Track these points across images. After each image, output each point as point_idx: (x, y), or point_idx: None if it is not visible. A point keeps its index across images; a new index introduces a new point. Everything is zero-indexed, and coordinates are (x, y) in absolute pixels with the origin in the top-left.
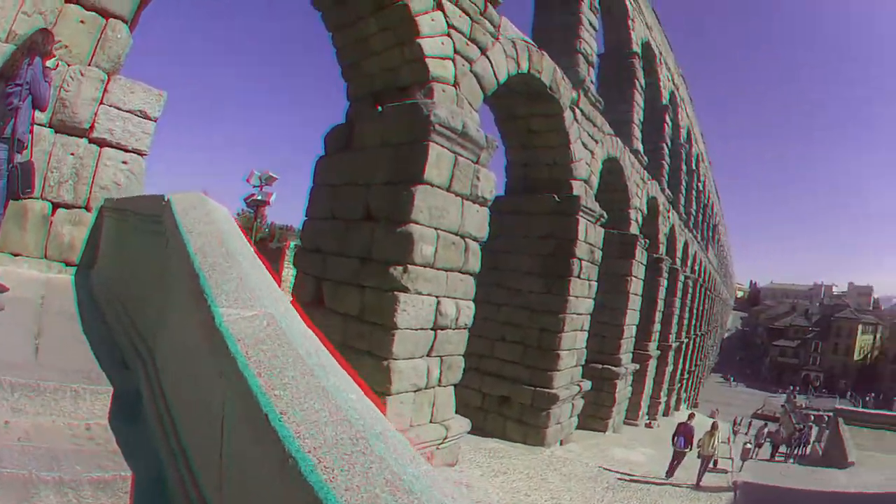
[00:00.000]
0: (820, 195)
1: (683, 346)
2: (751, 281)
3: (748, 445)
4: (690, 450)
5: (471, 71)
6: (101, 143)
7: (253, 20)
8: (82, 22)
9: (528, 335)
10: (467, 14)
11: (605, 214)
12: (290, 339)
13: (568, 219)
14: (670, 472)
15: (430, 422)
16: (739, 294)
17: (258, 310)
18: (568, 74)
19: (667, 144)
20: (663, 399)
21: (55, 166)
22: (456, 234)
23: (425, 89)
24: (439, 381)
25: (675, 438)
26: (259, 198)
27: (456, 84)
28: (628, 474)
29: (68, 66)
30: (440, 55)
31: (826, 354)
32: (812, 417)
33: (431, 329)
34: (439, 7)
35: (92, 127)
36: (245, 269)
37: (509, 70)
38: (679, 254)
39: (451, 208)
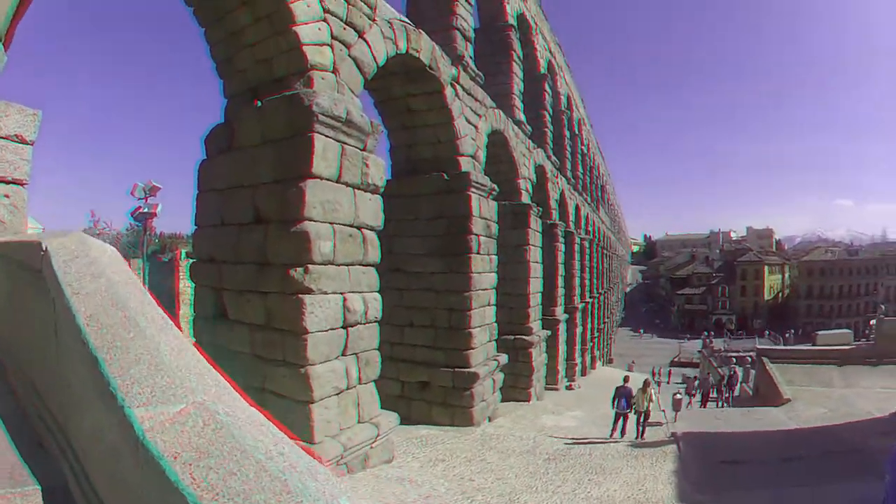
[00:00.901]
0: (705, 144)
1: (589, 305)
2: (645, 234)
3: (678, 396)
4: (632, 411)
5: (349, 56)
6: None
7: (115, 27)
8: None
9: (437, 317)
10: None
11: (496, 187)
12: (240, 439)
13: (459, 196)
14: (614, 432)
15: (359, 422)
16: (635, 249)
17: (186, 402)
18: (445, 51)
19: (548, 112)
20: (578, 360)
21: None
22: (352, 227)
23: (304, 79)
24: (359, 379)
25: (617, 401)
26: (145, 210)
27: (335, 70)
28: (570, 438)
29: None
30: (317, 42)
31: (735, 297)
32: (734, 360)
33: (342, 328)
34: None
35: None
36: (154, 337)
37: (388, 52)
38: (572, 217)
39: (344, 200)
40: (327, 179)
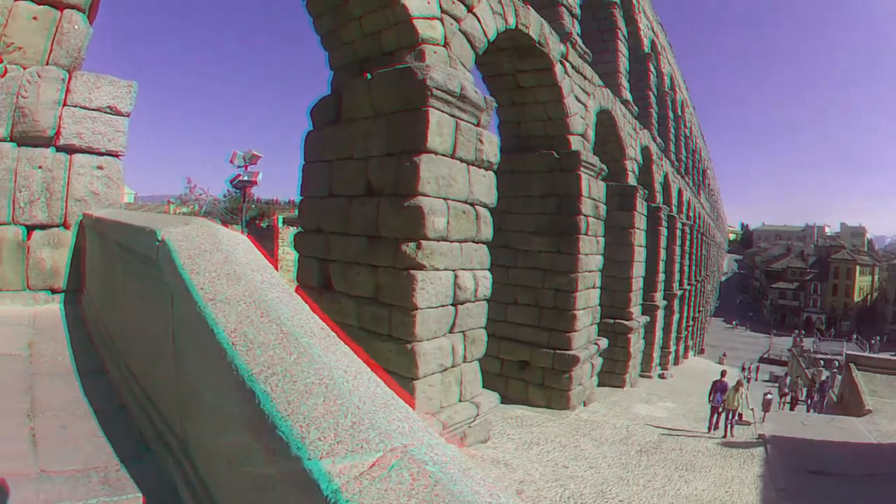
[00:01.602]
0: (806, 136)
1: (686, 293)
2: (742, 223)
3: (769, 396)
4: (722, 407)
5: (459, 30)
6: (71, 150)
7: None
8: (35, 19)
9: (542, 296)
10: None
11: (605, 168)
12: (459, 496)
13: (569, 175)
14: (710, 427)
15: (460, 400)
16: (732, 237)
17: (382, 448)
18: (553, 28)
19: (653, 92)
20: (673, 348)
21: (23, 184)
22: (466, 203)
23: (415, 52)
24: (464, 357)
25: (713, 396)
26: (245, 178)
27: (446, 45)
28: (663, 429)
29: (23, 69)
30: (427, 15)
31: (826, 296)
32: (822, 362)
33: (451, 305)
34: None
35: (58, 133)
36: (322, 359)
37: (497, 27)
38: (674, 201)
39: (458, 176)
40: (442, 154)
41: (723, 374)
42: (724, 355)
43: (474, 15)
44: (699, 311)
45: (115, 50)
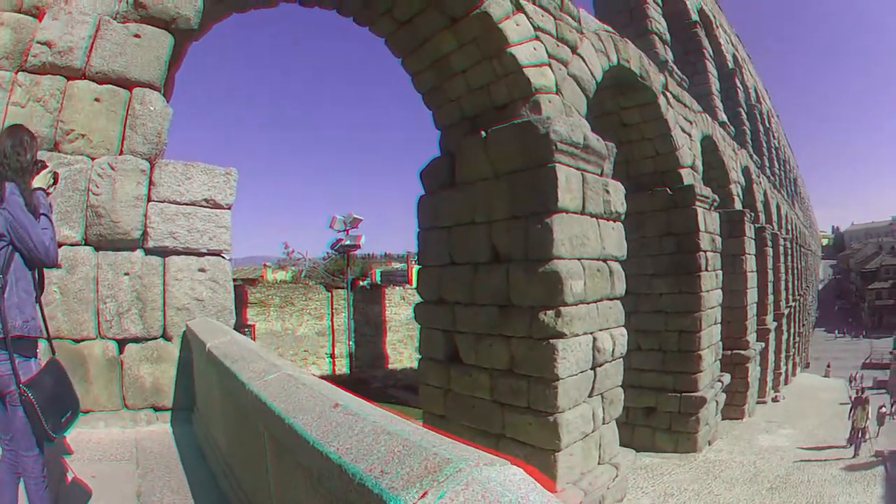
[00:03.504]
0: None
1: (792, 309)
2: (833, 226)
3: (884, 409)
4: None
5: (569, 74)
6: (164, 252)
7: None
8: (97, 101)
9: (666, 340)
10: (548, 12)
11: (717, 198)
12: None
13: (685, 211)
14: (852, 441)
15: (599, 463)
16: (824, 242)
17: None
18: (649, 58)
19: (743, 109)
20: (783, 368)
21: (108, 294)
22: (598, 260)
23: (530, 104)
24: (603, 419)
25: (852, 412)
26: (348, 243)
27: (558, 92)
28: (802, 448)
29: (92, 160)
30: (536, 62)
31: None
32: None
33: (591, 369)
34: (519, 9)
35: (146, 234)
36: None
37: (602, 65)
38: (774, 217)
39: (590, 233)
40: (573, 212)
41: (859, 391)
42: (829, 366)
43: (579, 56)
44: (803, 326)
45: (200, 133)
